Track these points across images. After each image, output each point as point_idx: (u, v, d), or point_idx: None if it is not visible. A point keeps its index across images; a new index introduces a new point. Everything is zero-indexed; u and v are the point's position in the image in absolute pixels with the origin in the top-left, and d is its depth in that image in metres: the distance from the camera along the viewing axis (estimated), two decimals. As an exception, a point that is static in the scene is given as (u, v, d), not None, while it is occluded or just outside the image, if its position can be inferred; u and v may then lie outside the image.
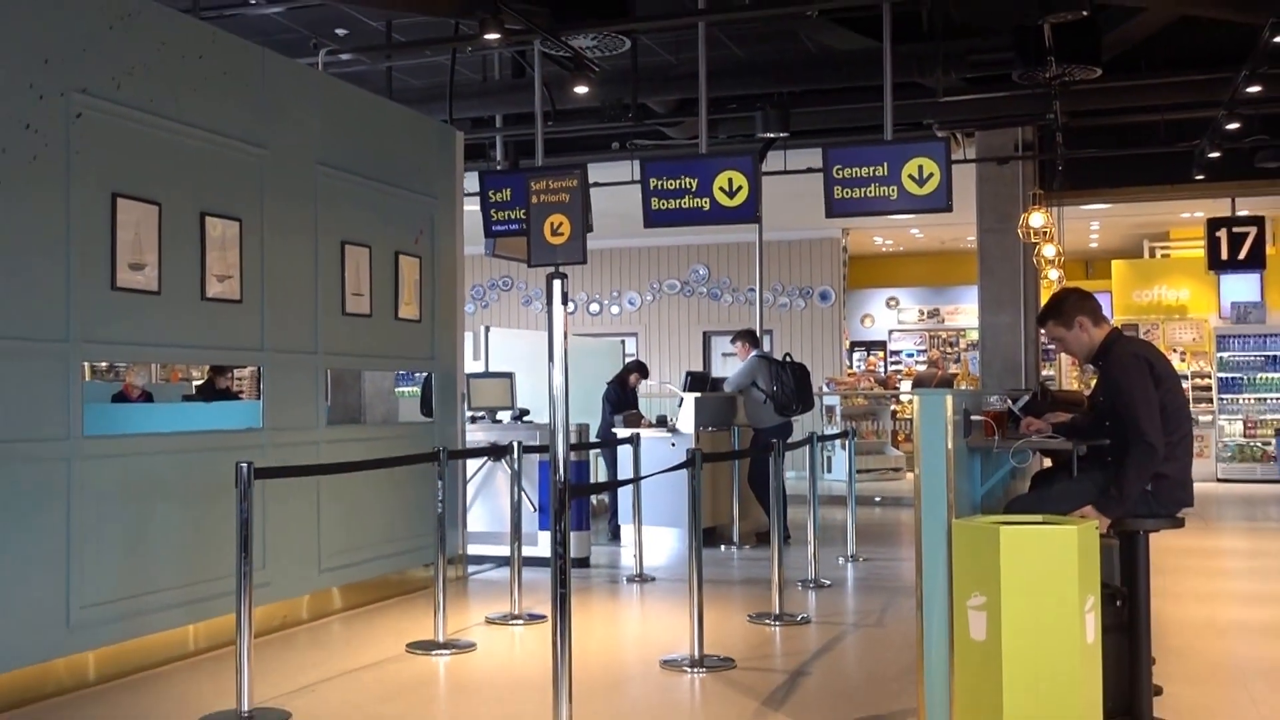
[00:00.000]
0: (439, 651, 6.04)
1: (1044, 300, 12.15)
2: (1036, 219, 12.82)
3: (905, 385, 18.09)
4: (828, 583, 8.07)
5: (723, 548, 9.89)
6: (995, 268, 13.26)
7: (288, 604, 6.65)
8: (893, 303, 22.49)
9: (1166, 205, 16.06)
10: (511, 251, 10.08)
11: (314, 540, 6.83)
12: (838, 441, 12.05)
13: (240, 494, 4.78)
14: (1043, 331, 5.06)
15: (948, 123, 11.40)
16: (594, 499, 11.25)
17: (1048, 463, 5.31)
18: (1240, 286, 17.37)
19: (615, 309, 20.17)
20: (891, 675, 5.48)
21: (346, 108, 7.42)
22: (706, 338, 19.74)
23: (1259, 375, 16.44)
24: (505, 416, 9.38)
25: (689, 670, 5.59)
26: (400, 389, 10.85)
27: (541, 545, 8.37)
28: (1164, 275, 18.34)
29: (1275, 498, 14.22)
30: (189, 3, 7.85)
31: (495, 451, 7.77)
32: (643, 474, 8.52)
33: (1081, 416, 4.95)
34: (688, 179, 8.07)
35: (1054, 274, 14.64)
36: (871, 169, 7.72)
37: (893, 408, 17.04)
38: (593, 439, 10.12)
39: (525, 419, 9.41)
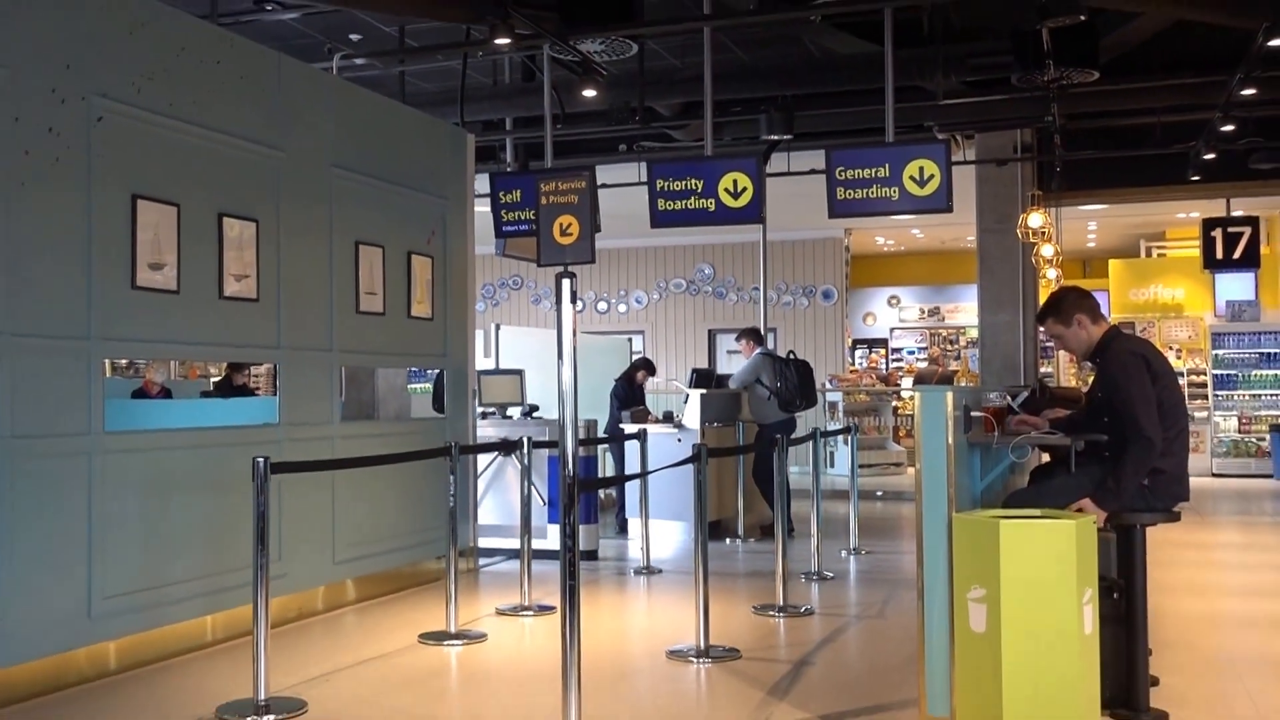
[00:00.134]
0: (451, 642, 6.04)
1: (1042, 299, 12.15)
2: (1035, 219, 12.80)
3: (906, 382, 18.07)
4: (830, 575, 8.06)
5: (727, 541, 9.89)
6: (995, 267, 13.24)
7: (303, 595, 6.66)
8: (894, 301, 22.47)
9: (1163, 206, 16.02)
10: (521, 251, 10.10)
11: (329, 533, 6.84)
12: (840, 437, 12.02)
13: (257, 488, 4.79)
14: (1042, 329, 5.05)
15: (948, 125, 11.38)
16: (602, 493, 11.25)
17: (1046, 458, 5.30)
18: (1235, 285, 17.35)
19: (623, 307, 20.16)
20: (893, 666, 5.48)
21: (360, 111, 7.42)
22: (712, 335, 19.74)
23: (1253, 372, 16.39)
24: (515, 412, 9.38)
25: (695, 660, 5.59)
26: (413, 385, 10.87)
27: (551, 538, 8.38)
28: (1160, 274, 18.30)
29: (1269, 492, 14.18)
30: (207, 9, 7.87)
31: (505, 447, 7.76)
32: (649, 469, 8.52)
33: (1078, 412, 4.95)
34: (693, 180, 8.06)
35: (1052, 273, 14.61)
36: (873, 170, 7.71)
37: (894, 404, 17.02)
38: (601, 435, 10.12)
39: (535, 415, 9.41)
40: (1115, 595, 4.50)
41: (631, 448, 9.61)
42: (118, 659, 5.38)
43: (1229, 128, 10.98)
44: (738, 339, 10.60)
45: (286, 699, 4.88)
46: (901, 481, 14.75)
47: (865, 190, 7.73)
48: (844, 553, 9.11)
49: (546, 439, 8.29)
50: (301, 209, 6.70)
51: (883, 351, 22.23)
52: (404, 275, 7.70)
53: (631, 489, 9.99)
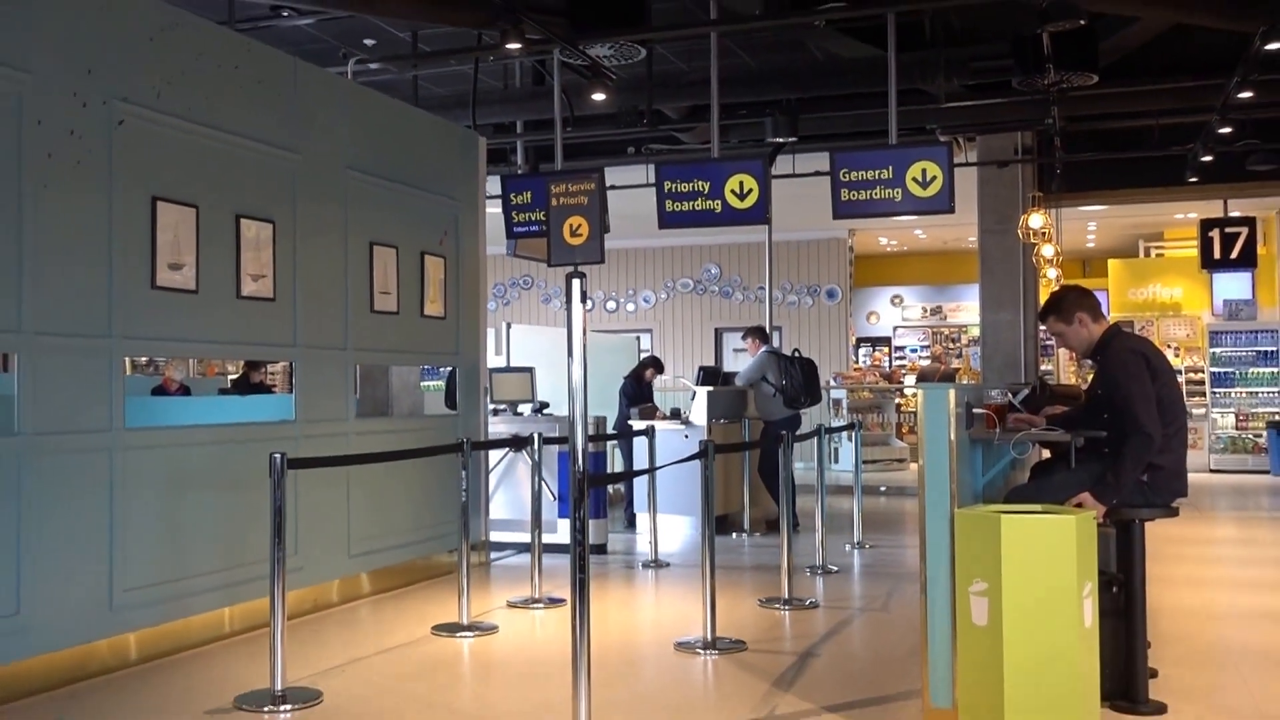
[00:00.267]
0: (463, 633, 6.04)
1: (1043, 298, 12.13)
2: (1035, 220, 12.77)
3: (909, 380, 18.05)
4: (835, 569, 8.05)
5: (734, 535, 9.88)
6: (996, 267, 13.22)
7: (319, 588, 6.67)
8: (897, 300, 22.43)
9: (1161, 207, 15.98)
10: (532, 252, 10.10)
11: (344, 527, 6.85)
12: (844, 433, 12.01)
13: (274, 483, 4.79)
14: (1044, 327, 5.04)
15: (950, 127, 11.37)
16: (611, 488, 11.24)
17: (1047, 454, 5.29)
18: (1232, 285, 17.29)
19: (631, 306, 20.16)
20: (896, 657, 5.47)
21: (374, 114, 7.42)
22: (718, 334, 19.72)
23: (1250, 370, 16.34)
24: (526, 409, 9.38)
25: (702, 652, 5.58)
26: (425, 383, 10.88)
27: (561, 532, 8.38)
28: (1159, 274, 18.24)
29: (1266, 488, 14.14)
30: (225, 15, 7.88)
31: (516, 443, 7.77)
32: (657, 464, 8.52)
33: (1074, 409, 4.94)
34: (700, 182, 8.06)
35: (1052, 273, 14.59)
36: (877, 172, 7.69)
37: (897, 401, 16.99)
38: (610, 431, 10.12)
39: (545, 412, 9.41)
40: (1115, 589, 4.49)
41: (640, 444, 9.62)
42: (138, 650, 5.39)
43: (1226, 130, 10.95)
44: (744, 337, 10.58)
45: (303, 689, 4.88)
46: (904, 477, 14.72)
47: (869, 191, 7.72)
48: (848, 547, 9.10)
49: (556, 435, 8.29)
50: (317, 210, 6.71)
51: (886, 349, 22.20)
52: (417, 275, 7.71)
53: (640, 484, 9.99)
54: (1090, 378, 5.30)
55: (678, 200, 8.13)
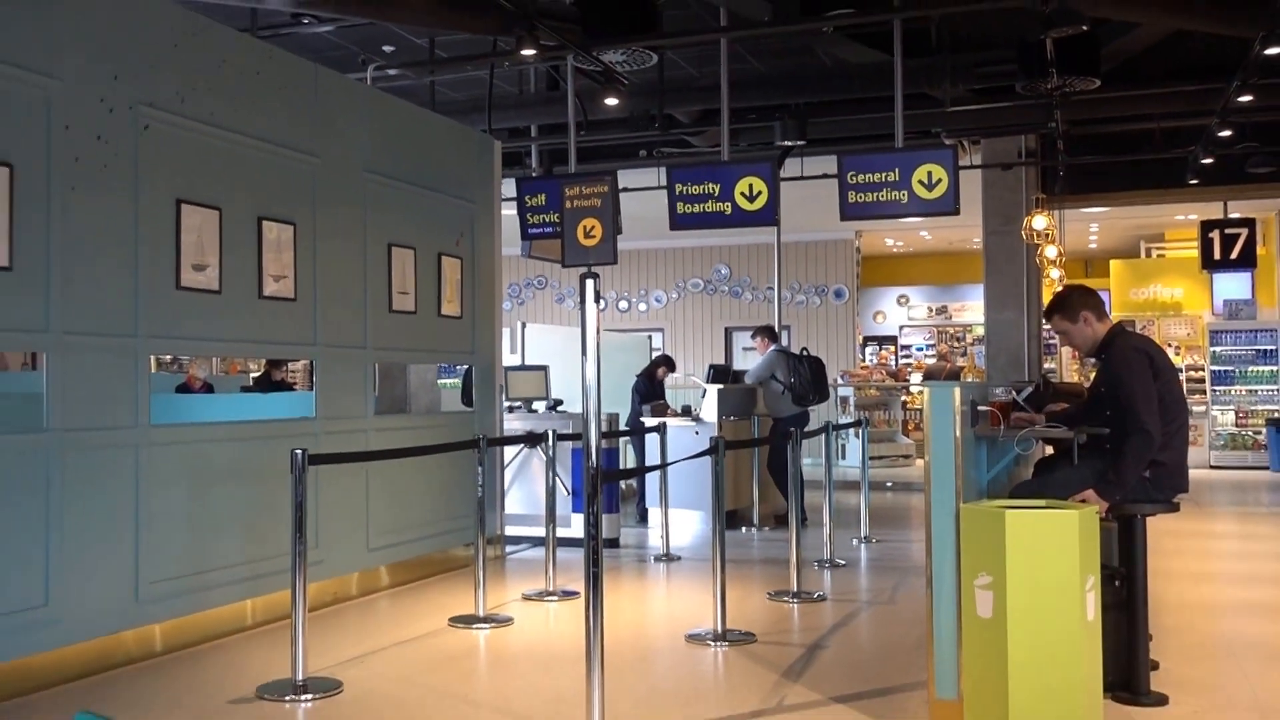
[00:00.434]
0: (479, 625, 6.04)
1: (1046, 298, 12.09)
2: (1039, 221, 12.74)
3: (915, 378, 18.02)
4: (842, 563, 8.03)
5: (744, 529, 9.86)
6: (1000, 267, 13.18)
7: (339, 581, 6.68)
8: (903, 300, 22.38)
9: (1162, 208, 15.92)
10: (546, 253, 10.10)
11: (363, 521, 6.86)
12: (851, 430, 11.99)
13: (295, 479, 4.80)
14: (1049, 325, 5.02)
15: (955, 131, 11.33)
16: (623, 484, 11.24)
17: (1050, 451, 5.27)
18: (1232, 285, 17.22)
19: (643, 306, 20.15)
20: (903, 649, 5.45)
21: (393, 119, 7.43)
22: (728, 333, 19.70)
23: (1249, 368, 16.26)
24: (540, 406, 9.38)
25: (712, 644, 5.58)
26: (442, 381, 10.88)
27: (574, 527, 8.38)
28: (1160, 274, 18.17)
29: (1265, 484, 14.07)
30: (247, 22, 7.90)
31: (531, 439, 7.77)
32: (669, 460, 8.51)
33: (1075, 407, 4.91)
34: (711, 184, 8.05)
35: (1055, 273, 14.54)
36: (883, 175, 7.67)
37: (903, 398, 16.96)
38: (622, 428, 10.11)
39: (559, 409, 9.41)
40: (1117, 583, 4.47)
41: (652, 440, 9.61)
42: (163, 641, 5.40)
43: (1226, 133, 10.90)
44: (753, 336, 10.57)
45: (323, 679, 4.89)
46: (910, 473, 14.69)
47: (875, 194, 7.69)
48: (855, 541, 9.07)
49: (570, 432, 8.28)
50: (337, 212, 6.71)
51: (892, 348, 22.16)
52: (434, 276, 7.71)
53: (652, 480, 9.99)
54: (1093, 375, 5.28)
55: (689, 202, 8.12)
